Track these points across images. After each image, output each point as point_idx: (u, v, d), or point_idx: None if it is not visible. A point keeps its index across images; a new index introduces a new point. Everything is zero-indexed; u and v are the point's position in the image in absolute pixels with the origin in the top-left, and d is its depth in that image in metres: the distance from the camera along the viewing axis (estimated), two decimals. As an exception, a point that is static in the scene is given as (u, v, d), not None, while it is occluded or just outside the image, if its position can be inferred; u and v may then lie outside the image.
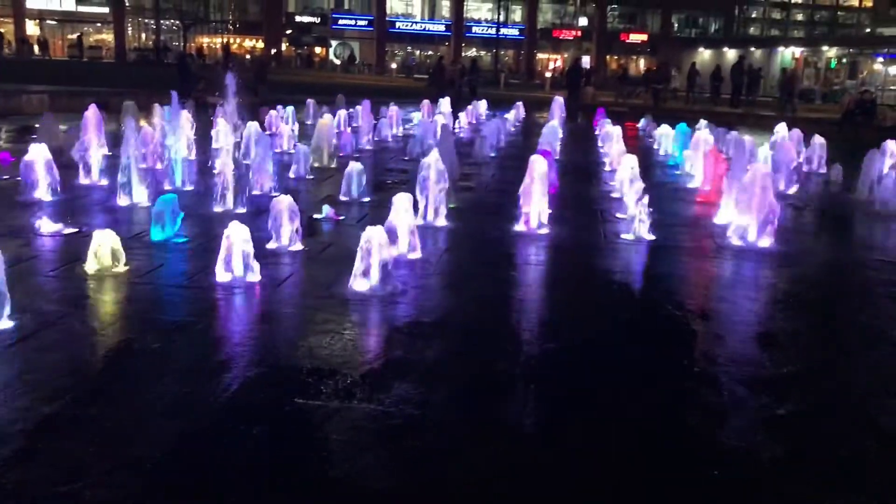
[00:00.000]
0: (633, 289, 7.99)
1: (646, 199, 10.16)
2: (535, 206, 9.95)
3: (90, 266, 7.69)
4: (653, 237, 9.88)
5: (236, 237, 7.43)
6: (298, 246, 8.73)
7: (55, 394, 4.99)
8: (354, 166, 11.77)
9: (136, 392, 5.08)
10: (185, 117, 15.22)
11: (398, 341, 6.08)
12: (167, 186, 12.02)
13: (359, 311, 6.84)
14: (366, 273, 7.21)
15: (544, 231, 9.91)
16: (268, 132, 17.79)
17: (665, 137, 20.16)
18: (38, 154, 10.84)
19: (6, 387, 5.14)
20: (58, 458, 4.24)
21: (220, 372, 5.41)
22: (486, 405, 5.00)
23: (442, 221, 10.21)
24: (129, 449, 4.35)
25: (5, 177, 12.57)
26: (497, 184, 14.04)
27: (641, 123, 24.92)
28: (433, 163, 10.09)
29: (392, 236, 7.99)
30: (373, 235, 7.19)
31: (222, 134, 14.12)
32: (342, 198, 11.60)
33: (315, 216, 10.44)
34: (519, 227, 10.00)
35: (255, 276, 7.51)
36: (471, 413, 4.85)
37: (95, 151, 12.56)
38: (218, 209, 10.68)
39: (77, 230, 9.23)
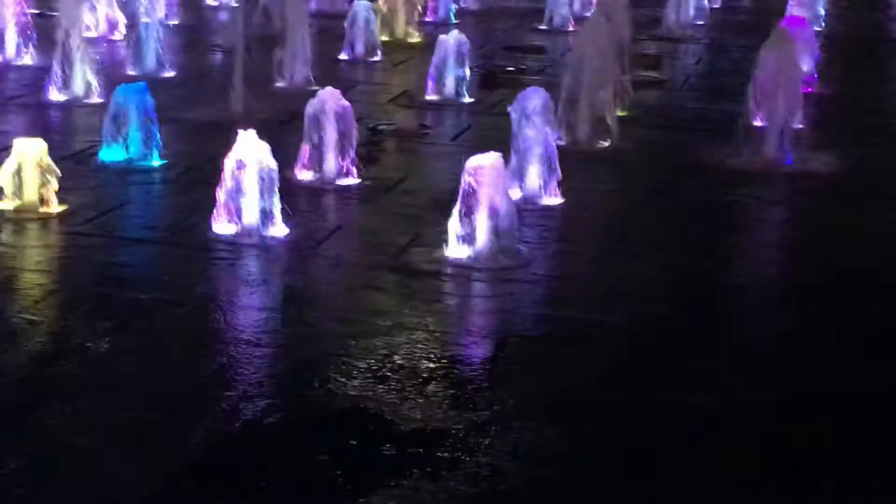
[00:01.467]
0: None
1: None
2: (776, 118, 9.69)
3: (2, 203, 7.69)
4: None
5: (248, 158, 7.34)
6: (351, 178, 8.63)
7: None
8: (450, 40, 11.56)
9: (76, 422, 5.00)
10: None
11: (527, 366, 5.90)
12: (131, 71, 12.06)
13: (453, 298, 6.79)
14: (467, 229, 7.10)
15: (791, 166, 9.63)
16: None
17: None
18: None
19: None
20: None
21: (202, 396, 5.31)
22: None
23: (601, 142, 9.95)
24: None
25: None
26: (704, 76, 13.91)
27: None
28: (585, 39, 9.92)
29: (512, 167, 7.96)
30: (481, 166, 7.01)
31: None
32: (428, 96, 11.48)
33: (380, 126, 10.42)
34: (744, 154, 9.69)
35: (277, 230, 7.44)
36: None
37: (13, 10, 12.54)
38: (215, 110, 10.62)
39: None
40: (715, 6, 18.73)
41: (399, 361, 5.73)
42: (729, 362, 5.94)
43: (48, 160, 7.72)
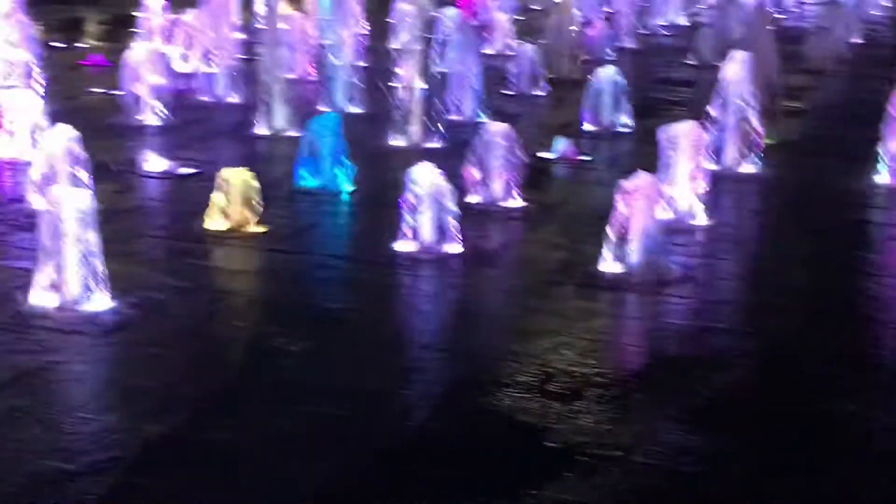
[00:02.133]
0: None
1: None
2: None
3: (213, 223, 8.24)
4: None
5: (424, 184, 7.70)
6: (515, 201, 8.94)
7: (162, 408, 5.44)
8: (607, 76, 11.86)
9: (272, 415, 5.45)
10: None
11: (677, 378, 6.05)
12: (323, 107, 12.51)
13: (610, 313, 7.00)
14: (620, 246, 7.35)
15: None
16: (474, 23, 17.94)
17: None
18: (143, 56, 11.72)
19: (96, 395, 5.69)
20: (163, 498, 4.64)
21: (397, 394, 5.72)
22: None
23: (750, 167, 10.15)
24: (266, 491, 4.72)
25: (97, 89, 13.72)
26: (850, 104, 13.60)
27: None
28: (736, 67, 10.03)
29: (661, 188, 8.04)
30: (633, 188, 7.23)
31: (405, 27, 14.43)
32: (586, 126, 11.75)
33: (543, 154, 10.62)
34: (880, 177, 9.84)
35: (452, 247, 7.78)
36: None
37: (222, 54, 13.41)
38: (398, 141, 11.11)
39: (195, 171, 9.93)
40: (856, 41, 18.50)
41: (556, 372, 5.92)
42: (872, 375, 6.06)
43: (252, 186, 8.20)
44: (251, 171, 8.36)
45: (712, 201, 8.74)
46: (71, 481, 4.66)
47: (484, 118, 11.16)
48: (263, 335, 6.42)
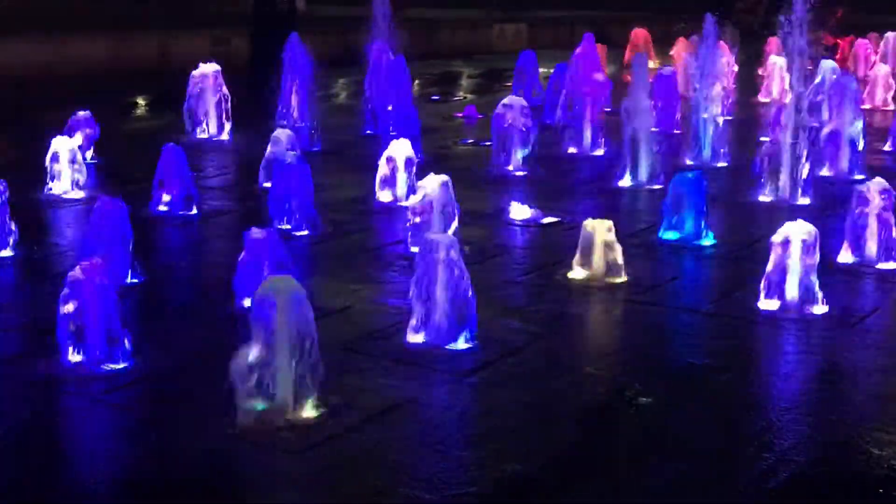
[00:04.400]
0: None
1: None
2: None
3: (576, 272, 8.40)
4: None
5: (794, 239, 7.57)
6: (894, 263, 8.63)
7: (520, 452, 5.59)
8: None
9: (631, 468, 5.49)
10: (723, 51, 15.59)
11: None
12: (688, 161, 12.63)
13: None
14: None
15: None
16: (851, 71, 17.45)
17: None
18: (514, 111, 12.14)
19: (462, 438, 5.91)
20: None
21: (756, 456, 5.60)
22: None
23: None
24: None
25: (470, 140, 14.36)
26: None
27: None
28: None
29: None
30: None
31: (778, 79, 14.31)
32: None
33: None
34: None
35: (818, 307, 7.61)
36: None
37: (589, 110, 13.62)
38: (764, 198, 10.98)
39: (558, 219, 10.21)
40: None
41: None
42: None
43: (612, 237, 8.28)
44: (613, 221, 8.46)
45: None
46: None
47: (862, 176, 10.83)
48: (619, 384, 6.48)
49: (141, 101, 18.23)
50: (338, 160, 12.90)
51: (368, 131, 14.37)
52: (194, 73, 14.07)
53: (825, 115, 12.59)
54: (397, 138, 11.01)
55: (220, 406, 5.64)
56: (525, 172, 12.08)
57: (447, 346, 6.80)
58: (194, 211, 10.24)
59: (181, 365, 6.60)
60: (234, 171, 12.87)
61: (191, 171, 10.47)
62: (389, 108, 14.12)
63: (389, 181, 10.62)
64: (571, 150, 13.58)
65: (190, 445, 5.57)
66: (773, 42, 16.72)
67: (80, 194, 10.73)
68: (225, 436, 5.57)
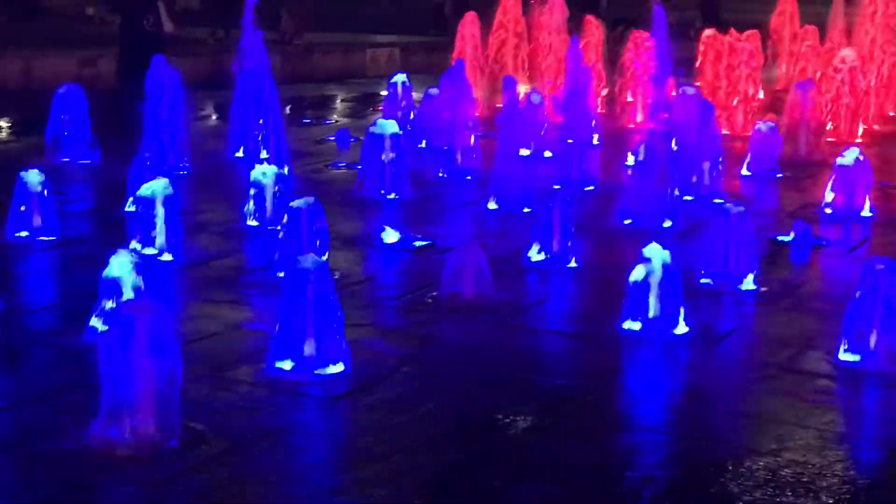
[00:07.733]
0: None
1: None
2: None
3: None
4: None
5: (654, 262, 7.67)
6: (749, 284, 8.82)
7: (389, 476, 5.59)
8: (849, 158, 11.37)
9: (501, 491, 5.52)
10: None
11: None
12: (557, 185, 12.69)
13: (844, 402, 6.85)
14: (860, 334, 7.14)
15: None
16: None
17: None
18: (385, 135, 12.16)
19: (330, 464, 5.92)
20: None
21: (620, 476, 5.70)
22: None
23: None
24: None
25: (341, 164, 14.35)
26: None
27: None
28: None
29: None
30: (876, 273, 7.10)
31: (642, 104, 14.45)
32: (827, 210, 11.45)
33: (778, 237, 10.52)
34: None
35: (679, 328, 7.73)
36: None
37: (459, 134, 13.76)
38: (628, 221, 11.11)
39: (428, 243, 10.26)
40: None
41: (790, 463, 5.77)
42: None
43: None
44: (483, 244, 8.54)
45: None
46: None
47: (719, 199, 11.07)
48: (489, 407, 6.51)
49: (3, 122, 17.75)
50: (205, 184, 12.73)
51: (237, 154, 14.23)
52: (59, 92, 13.77)
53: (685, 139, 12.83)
54: (267, 162, 10.94)
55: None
56: (396, 196, 12.09)
57: (316, 371, 6.77)
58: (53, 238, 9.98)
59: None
60: (99, 196, 12.57)
61: (54, 195, 10.19)
62: (257, 133, 14.05)
63: (257, 205, 10.55)
64: (441, 173, 13.64)
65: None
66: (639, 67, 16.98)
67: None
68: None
